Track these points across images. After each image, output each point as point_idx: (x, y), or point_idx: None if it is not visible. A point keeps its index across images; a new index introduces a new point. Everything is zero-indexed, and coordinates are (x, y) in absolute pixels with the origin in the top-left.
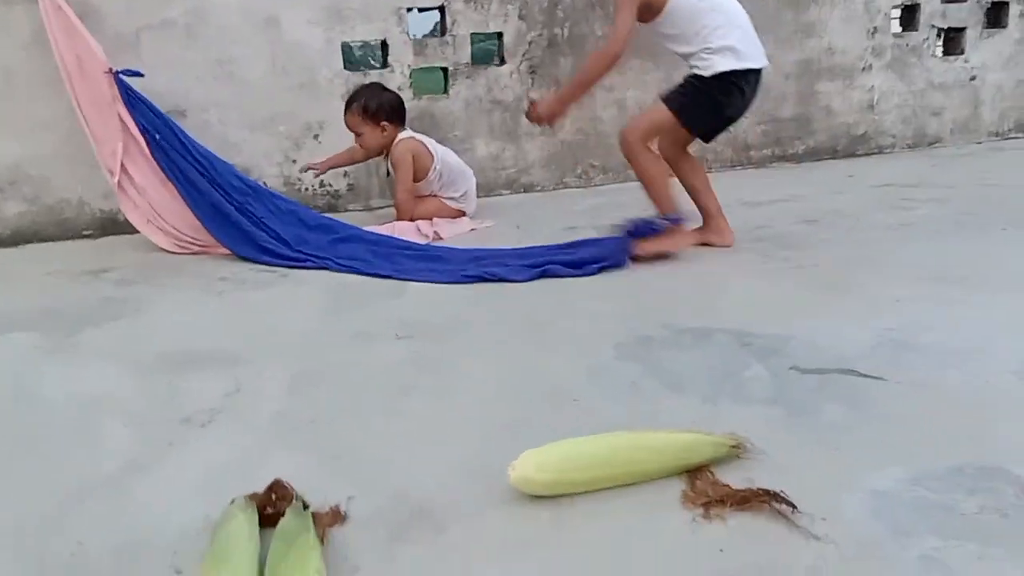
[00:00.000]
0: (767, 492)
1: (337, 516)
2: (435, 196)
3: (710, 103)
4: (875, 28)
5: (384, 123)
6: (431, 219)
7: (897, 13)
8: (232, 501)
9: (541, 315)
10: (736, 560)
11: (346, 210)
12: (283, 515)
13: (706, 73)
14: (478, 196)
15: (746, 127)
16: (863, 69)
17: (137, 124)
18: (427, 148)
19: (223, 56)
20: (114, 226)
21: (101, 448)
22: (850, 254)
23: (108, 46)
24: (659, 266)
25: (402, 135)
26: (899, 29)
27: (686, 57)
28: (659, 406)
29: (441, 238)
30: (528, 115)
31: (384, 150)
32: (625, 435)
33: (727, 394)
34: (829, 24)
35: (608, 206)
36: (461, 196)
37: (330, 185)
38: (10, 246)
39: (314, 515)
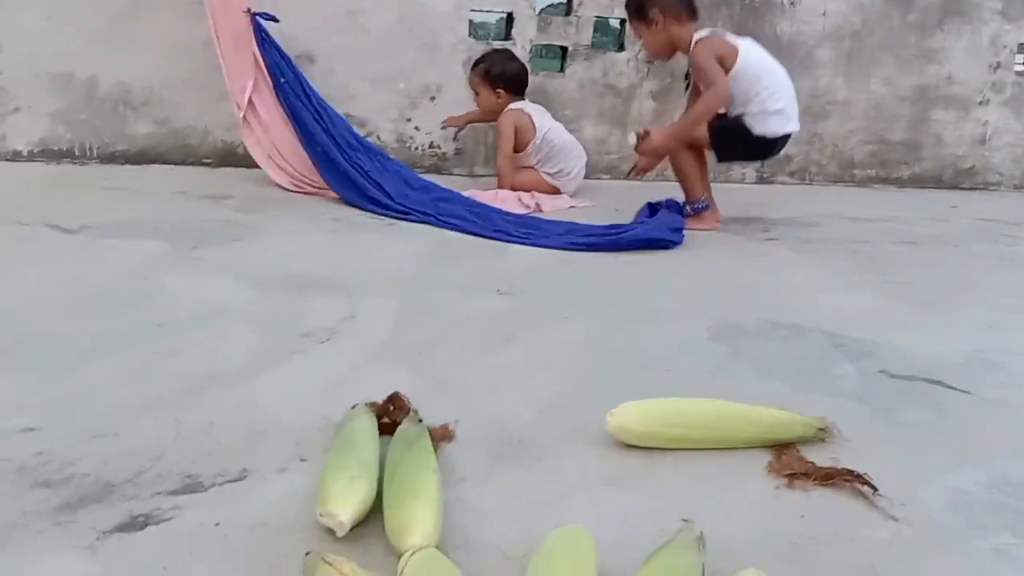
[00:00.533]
0: (850, 472)
1: (447, 432)
2: (534, 168)
3: (745, 152)
4: (998, 63)
5: (500, 90)
6: (531, 191)
7: (1023, 52)
8: (353, 406)
9: (633, 290)
10: (815, 526)
11: (451, 173)
12: (399, 424)
13: (756, 131)
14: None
15: (854, 145)
16: (980, 103)
17: (267, 64)
18: (532, 121)
19: (355, 7)
20: (232, 158)
21: (228, 346)
22: (947, 277)
23: None
24: (751, 262)
25: (513, 105)
26: (1022, 67)
27: (739, 114)
28: (748, 388)
29: (541, 210)
30: (637, 148)
31: (496, 116)
32: (721, 402)
33: (815, 386)
34: (951, 53)
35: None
36: (556, 173)
37: (438, 147)
38: (136, 164)
39: (428, 428)
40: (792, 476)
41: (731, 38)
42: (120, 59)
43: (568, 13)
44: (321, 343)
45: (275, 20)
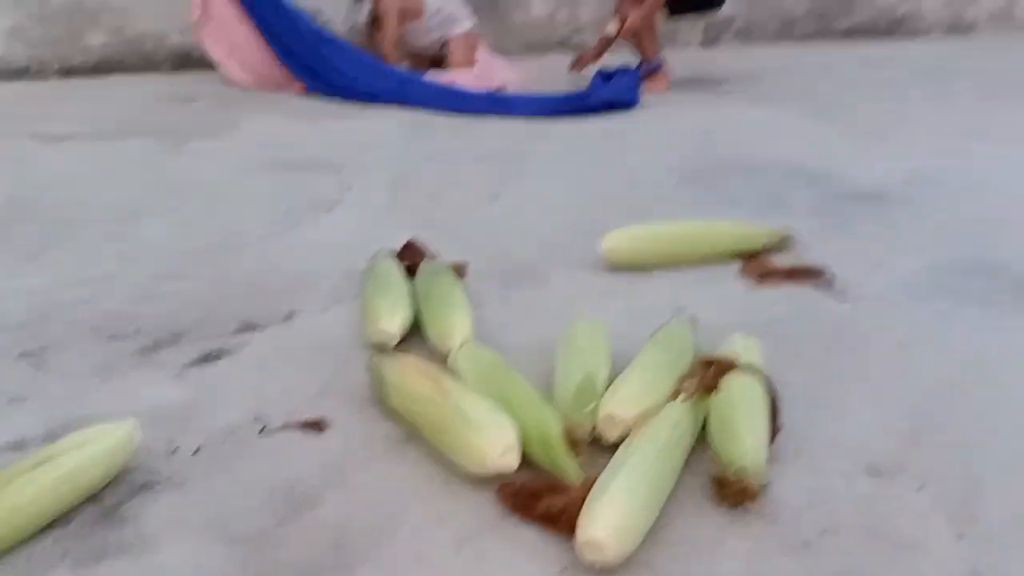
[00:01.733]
0: (811, 268)
1: (462, 268)
2: (462, 41)
3: (694, 3)
4: None
5: None
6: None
7: None
8: (375, 254)
9: (603, 147)
10: (785, 309)
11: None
12: (419, 266)
13: None
14: (532, 54)
15: (792, 3)
16: None
17: None
18: None
19: None
20: (190, 61)
21: (243, 219)
22: (886, 114)
23: None
24: (706, 114)
25: None
26: None
27: None
28: (717, 214)
29: (504, 86)
30: (619, 34)
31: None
32: (695, 222)
33: (776, 209)
34: None
35: None
36: (467, 22)
37: None
38: (95, 75)
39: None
40: (761, 276)
41: None
42: None
43: None
44: (328, 211)
45: None
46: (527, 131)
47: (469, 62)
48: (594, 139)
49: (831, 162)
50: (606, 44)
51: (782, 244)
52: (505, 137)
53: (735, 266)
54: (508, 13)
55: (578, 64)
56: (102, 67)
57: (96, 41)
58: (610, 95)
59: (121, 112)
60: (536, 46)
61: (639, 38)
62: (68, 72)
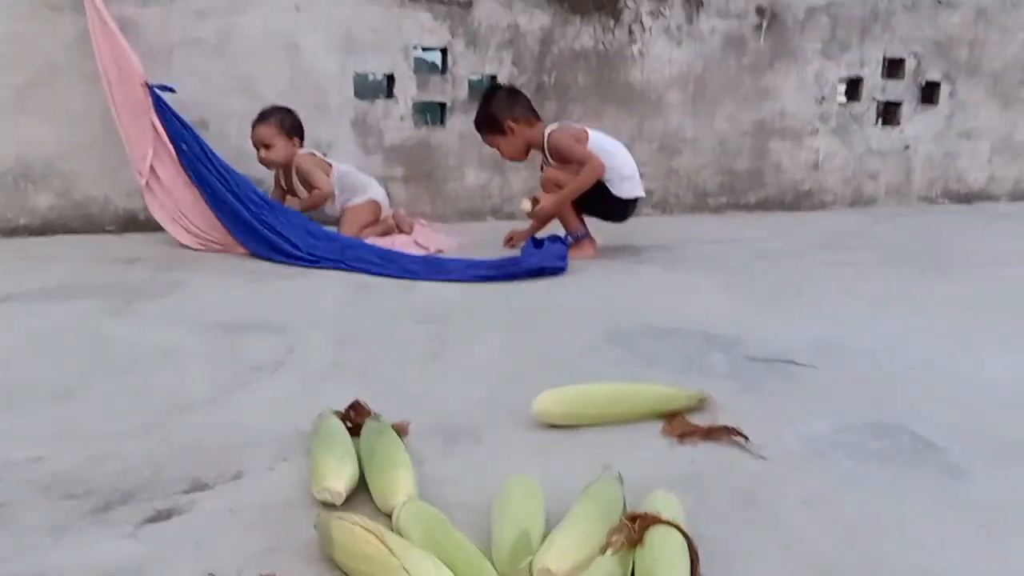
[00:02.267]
0: (726, 428)
1: (404, 427)
2: (358, 209)
3: (603, 209)
4: (823, 97)
5: (295, 139)
6: (410, 236)
7: (843, 85)
8: (320, 414)
9: (533, 310)
10: (703, 466)
11: None
12: (363, 425)
13: (614, 192)
14: (467, 221)
15: (705, 177)
16: (811, 132)
17: (167, 132)
18: (325, 161)
19: (246, 73)
20: (135, 224)
21: (189, 380)
22: (794, 281)
23: (144, 58)
24: (629, 280)
25: (303, 151)
26: (844, 99)
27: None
28: (640, 375)
29: (441, 251)
30: (530, 214)
31: (284, 166)
32: (621, 384)
33: (693, 371)
34: (783, 90)
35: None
36: (365, 198)
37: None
38: (40, 236)
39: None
40: (682, 435)
41: (575, 125)
42: (18, 133)
43: (443, 72)
44: (272, 372)
45: (172, 91)
46: (463, 294)
47: (355, 230)
48: (525, 302)
49: (743, 327)
50: (536, 226)
51: (700, 404)
52: (442, 300)
53: (657, 425)
54: (444, 183)
55: (511, 241)
56: (47, 228)
57: (43, 203)
58: (540, 261)
59: (65, 272)
60: (470, 213)
61: (559, 216)
62: (11, 232)
